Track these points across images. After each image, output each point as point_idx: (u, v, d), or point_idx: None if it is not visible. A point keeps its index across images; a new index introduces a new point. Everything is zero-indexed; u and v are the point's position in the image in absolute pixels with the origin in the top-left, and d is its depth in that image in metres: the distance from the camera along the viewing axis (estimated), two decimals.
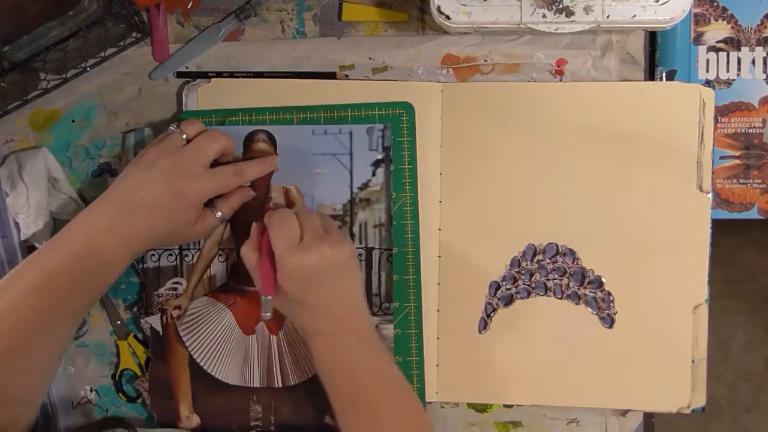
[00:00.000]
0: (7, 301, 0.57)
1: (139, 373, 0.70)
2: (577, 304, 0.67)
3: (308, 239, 0.58)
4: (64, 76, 0.69)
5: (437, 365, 0.68)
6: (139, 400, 0.70)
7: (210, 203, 0.63)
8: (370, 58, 0.70)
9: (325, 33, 0.70)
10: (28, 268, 0.58)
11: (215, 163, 0.64)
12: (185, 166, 0.59)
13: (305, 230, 0.58)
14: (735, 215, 0.71)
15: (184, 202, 0.59)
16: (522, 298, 0.68)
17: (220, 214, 0.63)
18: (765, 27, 0.70)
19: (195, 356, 0.68)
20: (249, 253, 0.60)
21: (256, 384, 0.67)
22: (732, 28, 0.71)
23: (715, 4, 0.71)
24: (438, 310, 0.68)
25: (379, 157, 0.67)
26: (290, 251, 0.57)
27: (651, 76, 0.70)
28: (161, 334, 0.68)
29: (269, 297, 0.57)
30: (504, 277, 0.68)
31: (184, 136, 0.61)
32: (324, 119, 0.68)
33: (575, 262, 0.67)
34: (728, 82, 0.71)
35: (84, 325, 0.71)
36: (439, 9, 0.63)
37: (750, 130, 0.71)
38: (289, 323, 0.67)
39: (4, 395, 0.58)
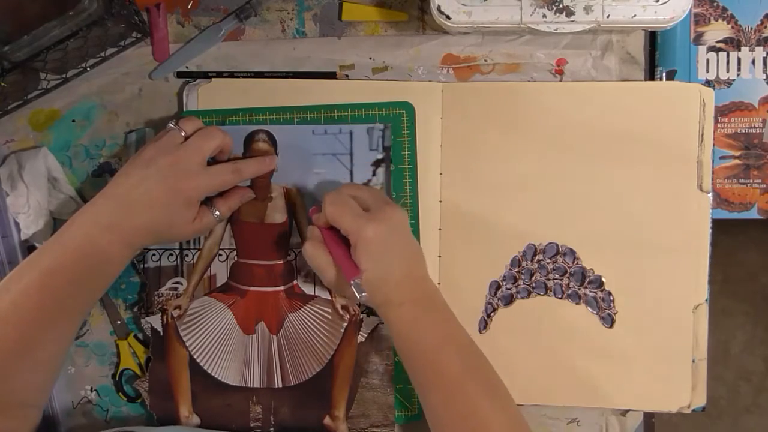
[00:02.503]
0: (10, 302, 0.57)
1: (139, 373, 0.70)
2: (577, 303, 0.67)
3: (374, 206, 0.59)
4: (64, 76, 0.69)
5: None
6: (139, 400, 0.70)
7: (209, 202, 0.63)
8: (370, 58, 0.70)
9: (325, 33, 0.70)
10: (30, 268, 0.58)
11: (214, 162, 0.64)
12: (182, 163, 0.59)
13: (365, 200, 0.59)
14: (735, 215, 0.71)
15: (181, 199, 0.59)
16: (522, 297, 0.68)
17: (218, 213, 0.63)
18: (765, 27, 0.70)
19: (195, 356, 0.68)
20: (314, 251, 0.60)
21: (256, 384, 0.67)
22: (732, 28, 0.71)
23: (715, 4, 0.71)
24: None
25: (380, 157, 0.67)
26: (362, 223, 0.57)
27: (651, 76, 0.70)
28: (161, 334, 0.68)
29: (357, 280, 0.57)
30: (504, 276, 0.68)
31: (183, 134, 0.61)
32: (324, 119, 0.68)
33: (575, 262, 0.67)
34: (728, 82, 0.71)
35: (84, 324, 0.70)
36: (439, 9, 0.63)
37: (750, 130, 0.71)
38: (289, 324, 0.67)
39: (12, 397, 0.58)
